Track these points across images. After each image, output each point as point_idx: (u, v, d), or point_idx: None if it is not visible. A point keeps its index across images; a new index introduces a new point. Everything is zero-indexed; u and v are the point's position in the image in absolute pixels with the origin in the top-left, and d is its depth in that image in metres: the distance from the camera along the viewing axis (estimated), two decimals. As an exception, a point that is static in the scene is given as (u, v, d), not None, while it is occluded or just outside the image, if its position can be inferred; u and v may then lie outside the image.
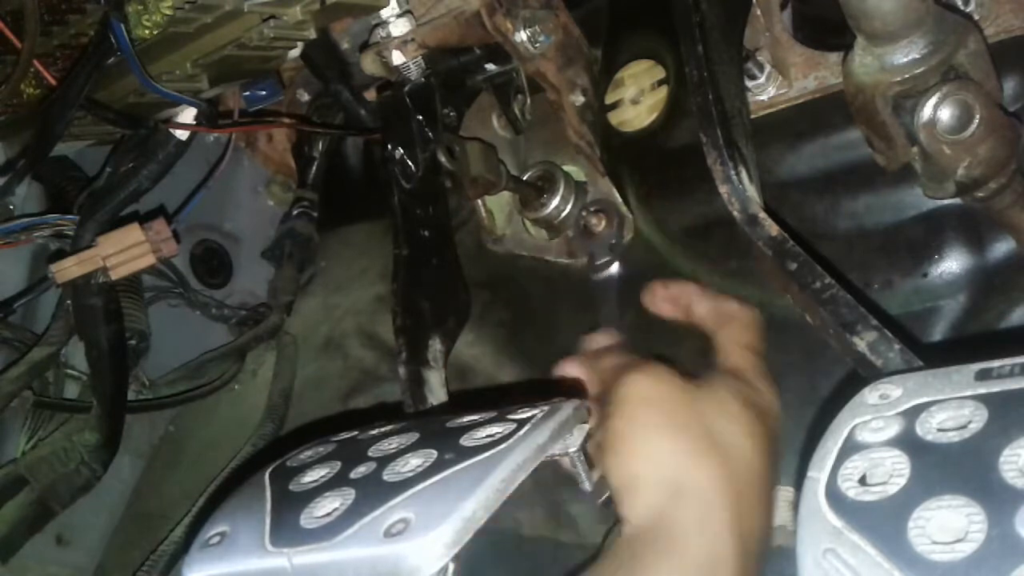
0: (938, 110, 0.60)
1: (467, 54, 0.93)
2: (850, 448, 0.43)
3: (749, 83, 0.82)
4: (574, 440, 0.53)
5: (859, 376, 0.59)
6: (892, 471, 0.41)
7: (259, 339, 1.19)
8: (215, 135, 1.04)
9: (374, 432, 0.57)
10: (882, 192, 0.77)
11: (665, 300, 0.76)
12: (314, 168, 1.24)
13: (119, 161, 0.97)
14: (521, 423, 0.50)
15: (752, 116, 0.81)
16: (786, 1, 0.82)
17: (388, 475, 0.49)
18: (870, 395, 0.45)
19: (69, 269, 0.90)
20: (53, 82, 0.89)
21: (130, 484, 1.18)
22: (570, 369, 0.71)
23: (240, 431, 1.10)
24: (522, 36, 0.87)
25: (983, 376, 0.43)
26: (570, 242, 0.97)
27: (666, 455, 0.58)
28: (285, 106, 1.22)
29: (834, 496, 0.41)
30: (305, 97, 1.23)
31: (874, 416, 0.44)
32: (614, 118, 0.90)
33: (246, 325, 1.24)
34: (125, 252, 0.90)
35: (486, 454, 0.48)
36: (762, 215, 0.68)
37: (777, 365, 0.80)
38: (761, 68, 0.81)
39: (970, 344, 0.73)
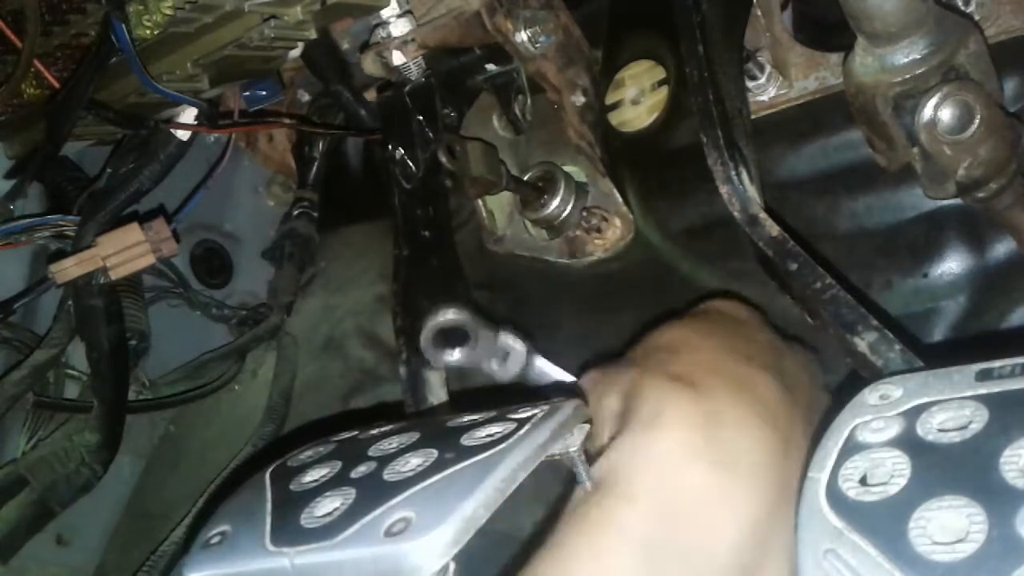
0: (939, 110, 0.60)
1: (467, 54, 0.93)
2: (851, 448, 0.43)
3: (750, 83, 0.82)
4: (574, 440, 0.52)
5: (859, 376, 0.59)
6: (893, 471, 0.41)
7: (259, 339, 1.19)
8: (215, 135, 1.04)
9: (374, 432, 0.56)
10: (882, 192, 0.77)
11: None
12: (314, 168, 1.24)
13: (120, 161, 0.97)
14: (521, 423, 0.50)
15: (753, 116, 0.81)
16: (787, 1, 0.82)
17: (388, 475, 0.49)
18: (871, 395, 0.45)
19: (69, 269, 0.90)
20: (54, 82, 0.89)
21: (130, 484, 1.18)
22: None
23: (240, 431, 1.10)
24: (522, 36, 0.87)
25: (984, 376, 0.43)
26: (570, 242, 0.97)
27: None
28: (285, 106, 1.22)
29: (835, 496, 0.41)
30: (306, 97, 1.23)
31: (875, 416, 0.44)
32: (615, 118, 0.90)
33: (246, 325, 1.24)
34: (125, 252, 0.90)
35: (486, 454, 0.48)
36: (762, 215, 0.68)
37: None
38: (762, 68, 0.81)
39: (971, 344, 0.73)
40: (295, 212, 1.23)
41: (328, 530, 0.47)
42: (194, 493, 1.05)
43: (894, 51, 0.61)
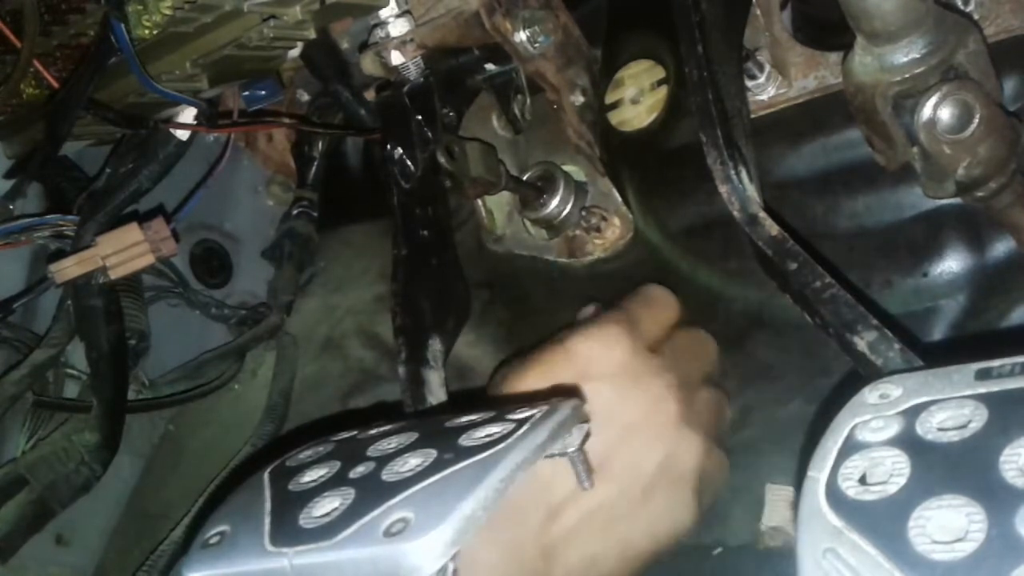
0: (938, 110, 0.60)
1: (466, 54, 0.93)
2: (850, 448, 0.43)
3: (749, 83, 0.82)
4: (573, 440, 0.52)
5: (859, 376, 0.59)
6: (892, 470, 0.41)
7: (259, 339, 1.19)
8: (214, 135, 1.04)
9: (373, 432, 0.56)
10: (882, 192, 0.77)
11: None
12: (314, 168, 1.23)
13: (119, 161, 0.97)
14: (520, 423, 0.50)
15: (752, 116, 0.81)
16: (786, 1, 0.82)
17: (387, 475, 0.49)
18: (870, 395, 0.45)
19: (68, 269, 0.90)
20: (53, 82, 0.89)
21: (130, 484, 1.18)
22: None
23: (240, 431, 1.10)
24: (521, 36, 0.87)
25: (983, 376, 0.43)
26: (570, 242, 0.97)
27: None
28: (285, 106, 1.22)
29: (834, 496, 0.41)
30: (305, 97, 1.23)
31: (874, 416, 0.44)
32: (614, 118, 0.90)
33: (246, 325, 1.24)
34: (124, 252, 0.90)
35: (485, 454, 0.48)
36: (762, 215, 0.68)
37: (777, 365, 0.80)
38: (761, 68, 0.81)
39: (970, 344, 0.73)
40: (294, 212, 1.23)
41: (327, 530, 0.47)
42: (194, 493, 1.05)
43: (893, 50, 0.61)
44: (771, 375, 0.80)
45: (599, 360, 0.64)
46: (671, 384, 0.66)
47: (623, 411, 0.63)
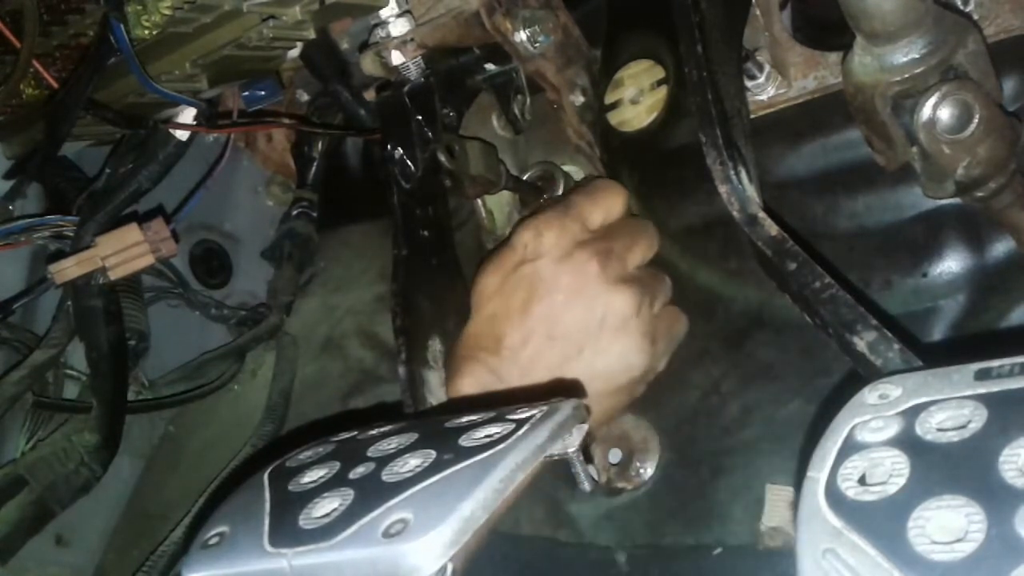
0: (937, 110, 0.60)
1: (466, 54, 0.93)
2: (850, 448, 0.43)
3: (748, 83, 0.82)
4: (573, 440, 0.52)
5: (859, 376, 0.59)
6: (892, 471, 0.41)
7: (258, 339, 1.19)
8: (214, 135, 1.04)
9: (373, 432, 0.56)
10: (882, 192, 0.77)
11: None
12: (313, 168, 1.24)
13: (119, 162, 0.97)
14: (520, 423, 0.50)
15: (752, 116, 0.81)
16: (786, 1, 0.82)
17: (387, 475, 0.49)
18: (870, 395, 0.45)
19: (68, 269, 0.90)
20: (53, 82, 0.89)
21: (130, 484, 1.18)
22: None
23: (240, 431, 1.10)
24: (521, 36, 0.87)
25: (983, 376, 0.43)
26: (570, 242, 0.97)
27: None
28: (284, 106, 1.22)
29: (834, 496, 0.41)
30: (305, 97, 1.23)
31: (874, 416, 0.44)
32: (614, 118, 0.90)
33: (246, 325, 1.24)
34: (124, 252, 0.90)
35: (485, 454, 0.48)
36: (761, 215, 0.68)
37: (777, 365, 0.80)
38: (761, 68, 0.81)
39: (970, 344, 0.73)
40: (294, 212, 1.23)
41: (326, 531, 0.47)
42: (194, 493, 1.05)
43: (893, 50, 0.61)
44: (771, 375, 0.80)
45: (533, 244, 0.78)
46: (593, 253, 0.77)
47: (560, 280, 0.76)
